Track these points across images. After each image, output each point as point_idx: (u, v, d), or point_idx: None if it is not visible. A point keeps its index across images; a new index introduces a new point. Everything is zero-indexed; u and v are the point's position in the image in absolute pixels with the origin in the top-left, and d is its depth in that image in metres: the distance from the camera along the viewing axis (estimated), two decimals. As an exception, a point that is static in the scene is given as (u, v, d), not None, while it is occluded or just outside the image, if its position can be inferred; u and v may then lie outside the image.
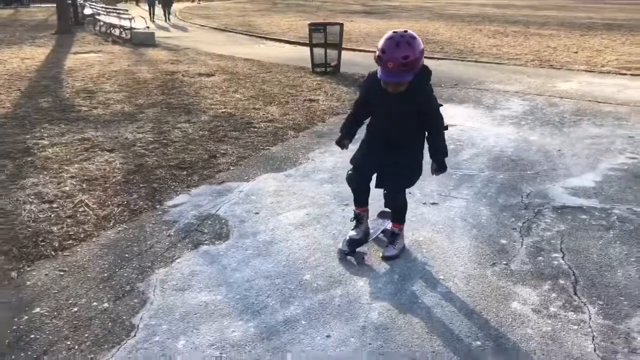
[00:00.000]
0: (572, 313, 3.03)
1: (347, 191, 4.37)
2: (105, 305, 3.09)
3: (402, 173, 3.52)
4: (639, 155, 5.84)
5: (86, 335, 2.82)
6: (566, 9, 40.99)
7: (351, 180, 3.67)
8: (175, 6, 33.06)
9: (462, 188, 4.88)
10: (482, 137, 6.51)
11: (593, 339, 2.80)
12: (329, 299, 3.15)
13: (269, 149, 6.03)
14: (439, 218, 4.27)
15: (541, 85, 10.02)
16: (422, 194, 4.72)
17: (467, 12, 35.93)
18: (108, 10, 21.46)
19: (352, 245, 3.64)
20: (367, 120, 3.56)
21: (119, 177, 5.01)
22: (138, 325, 2.91)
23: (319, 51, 11.13)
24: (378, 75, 3.14)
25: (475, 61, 13.44)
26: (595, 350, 2.72)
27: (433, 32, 20.96)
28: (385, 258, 3.62)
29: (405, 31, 3.05)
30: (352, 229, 3.75)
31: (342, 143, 3.58)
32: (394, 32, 3.05)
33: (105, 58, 13.24)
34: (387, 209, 3.86)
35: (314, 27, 11.27)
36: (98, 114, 7.37)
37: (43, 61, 12.64)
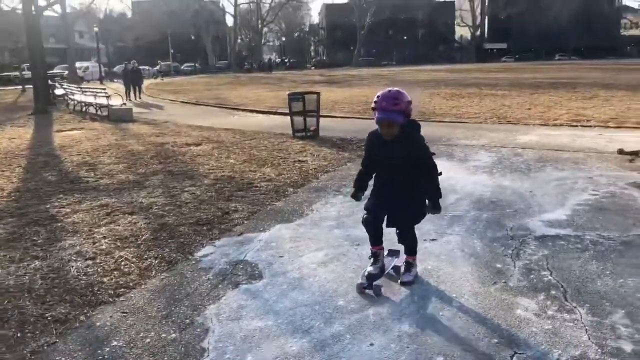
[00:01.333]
0: (566, 314, 3.68)
1: (355, 234, 5.04)
2: (173, 335, 3.58)
3: (408, 212, 4.17)
4: (599, 192, 6.69)
5: (166, 357, 3.30)
6: (512, 71, 43.86)
7: (367, 222, 4.27)
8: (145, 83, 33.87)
9: (454, 226, 5.57)
10: (461, 185, 7.28)
11: (586, 331, 3.45)
12: (364, 318, 3.72)
13: (274, 204, 6.64)
14: (441, 250, 4.92)
15: (504, 139, 11.04)
16: (421, 232, 5.35)
17: (421, 77, 38.03)
18: (83, 89, 22.12)
19: (370, 279, 4.16)
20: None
21: (147, 235, 5.51)
22: (208, 348, 3.40)
23: (298, 118, 11.98)
24: (375, 120, 3.90)
25: (439, 121, 14.52)
26: (589, 339, 3.35)
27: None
28: (403, 283, 4.22)
29: (396, 89, 3.92)
30: (370, 265, 4.31)
31: (356, 196, 4.37)
32: (386, 89, 3.94)
33: (90, 134, 13.77)
34: (395, 248, 4.50)
35: (293, 96, 12.17)
36: (106, 183, 7.88)
37: (30, 140, 13.10)
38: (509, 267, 4.51)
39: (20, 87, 36.49)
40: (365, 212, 4.27)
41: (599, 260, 4.56)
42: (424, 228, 5.44)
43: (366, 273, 4.22)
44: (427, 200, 4.14)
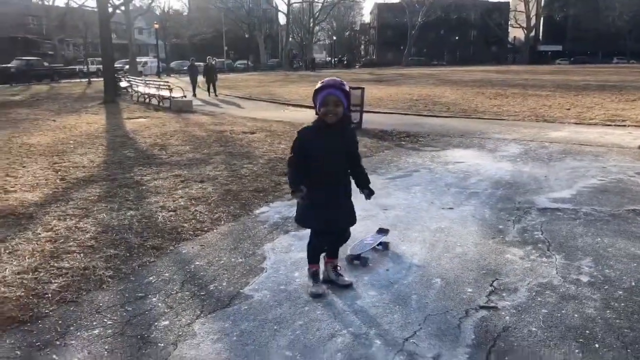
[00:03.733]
0: (545, 259, 4.68)
1: (383, 202, 6.08)
2: (240, 260, 4.78)
3: (350, 214, 4.09)
4: (607, 178, 7.54)
5: (235, 271, 4.50)
6: (563, 73, 43.52)
7: (320, 246, 4.15)
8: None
9: (470, 199, 6.59)
10: (485, 170, 8.25)
11: (556, 269, 4.45)
12: (385, 254, 4.83)
13: (319, 180, 7.80)
14: (455, 216, 5.96)
15: (535, 134, 11.85)
16: (440, 203, 6.42)
17: (471, 77, 38.41)
18: (147, 82, 23.92)
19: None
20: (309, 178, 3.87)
21: (215, 197, 6.77)
22: (266, 268, 4.58)
23: (344, 111, 13.09)
24: (320, 100, 3.70)
25: (479, 118, 15.35)
26: (557, 273, 4.36)
27: (439, 95, 23.15)
28: (345, 286, 4.13)
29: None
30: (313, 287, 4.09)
31: (301, 191, 3.82)
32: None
33: (157, 122, 15.29)
34: (385, 227, 5.06)
35: (340, 91, 13.27)
36: (177, 160, 9.23)
37: (105, 125, 14.72)
38: (509, 228, 5.52)
39: (87, 79, 38.97)
40: (305, 215, 4.05)
41: (585, 226, 5.50)
42: (444, 199, 6.50)
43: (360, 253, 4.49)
44: (363, 189, 4.09)
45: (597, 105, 17.83)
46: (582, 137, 11.38)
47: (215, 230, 5.59)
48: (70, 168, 8.66)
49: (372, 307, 3.82)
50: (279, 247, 5.07)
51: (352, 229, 4.30)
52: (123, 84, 28.27)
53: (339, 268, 4.31)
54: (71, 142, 11.56)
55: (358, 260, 4.61)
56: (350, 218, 4.12)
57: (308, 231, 5.49)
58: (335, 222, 4.05)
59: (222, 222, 5.84)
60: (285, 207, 6.37)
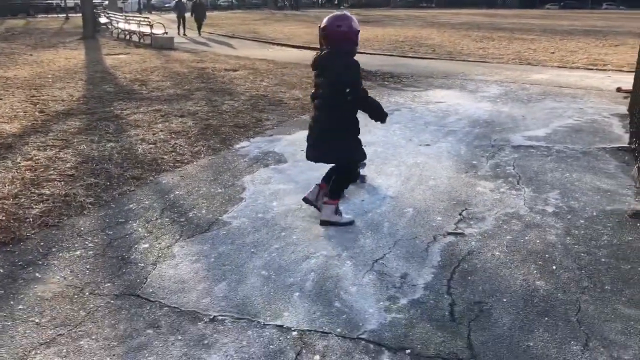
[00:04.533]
0: (514, 191, 4.85)
1: (366, 139, 6.16)
2: (219, 190, 4.88)
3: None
4: (582, 119, 7.69)
5: (215, 200, 4.61)
6: (551, 18, 43.08)
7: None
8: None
9: (448, 137, 6.71)
10: (465, 109, 8.35)
11: (524, 200, 4.62)
12: (361, 187, 4.97)
13: (300, 116, 7.85)
14: (431, 152, 6.09)
15: (517, 76, 11.91)
16: (418, 140, 6.54)
17: (458, 20, 37.88)
18: (127, 18, 23.30)
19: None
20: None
21: (195, 132, 6.80)
22: (245, 197, 4.70)
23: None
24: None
25: (463, 60, 15.31)
26: (524, 204, 4.54)
27: (426, 37, 22.90)
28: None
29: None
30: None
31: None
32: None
33: (137, 58, 15.03)
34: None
35: (324, 29, 13.11)
36: (157, 95, 9.17)
37: (84, 60, 14.44)
38: (482, 163, 5.67)
39: (64, 15, 37.77)
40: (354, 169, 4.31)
41: (556, 162, 5.67)
42: (422, 137, 6.61)
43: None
44: None
45: (581, 50, 17.83)
46: (563, 80, 11.47)
47: (195, 163, 5.66)
48: (49, 101, 8.58)
49: (346, 233, 3.98)
50: (258, 179, 5.17)
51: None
52: (102, 19, 27.50)
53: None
54: (49, 76, 11.38)
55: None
56: None
57: (287, 165, 5.61)
58: None
59: (202, 155, 5.91)
60: (266, 142, 6.45)
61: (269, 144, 6.41)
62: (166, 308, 3.05)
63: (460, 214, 4.33)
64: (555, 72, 12.89)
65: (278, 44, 20.62)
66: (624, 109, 8.34)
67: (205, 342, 2.75)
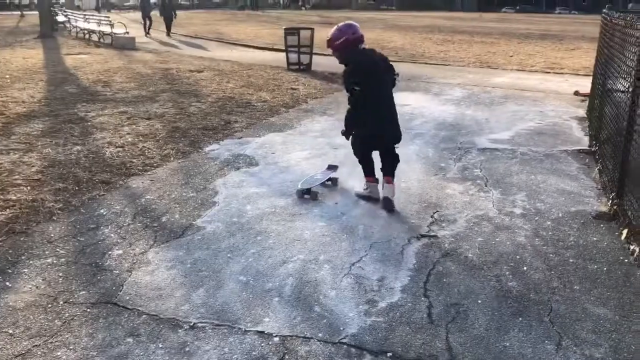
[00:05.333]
0: (483, 193, 4.98)
1: (335, 142, 6.23)
2: (192, 194, 4.84)
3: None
4: (543, 122, 7.93)
5: (187, 205, 4.57)
6: (508, 21, 44.12)
7: None
8: (139, 17, 33.72)
9: (415, 140, 6.82)
10: (430, 112, 8.50)
11: (493, 203, 4.75)
12: (334, 188, 5.01)
13: (268, 119, 7.84)
14: (400, 154, 6.14)
15: (479, 79, 12.18)
16: (387, 142, 6.61)
17: (419, 23, 38.42)
18: (87, 16, 22.77)
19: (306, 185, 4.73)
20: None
21: (163, 134, 6.72)
22: (218, 201, 4.68)
23: (292, 52, 13.00)
24: None
25: (425, 63, 15.56)
26: (493, 206, 4.66)
27: (388, 40, 23.17)
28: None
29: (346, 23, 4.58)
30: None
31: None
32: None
33: (98, 58, 14.72)
34: (335, 164, 5.29)
35: (289, 31, 13.14)
36: (122, 97, 9.01)
37: (44, 60, 14.05)
38: (450, 166, 5.78)
39: (19, 12, 36.65)
40: None
41: (521, 165, 5.84)
42: (391, 139, 6.69)
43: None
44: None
45: (538, 54, 18.34)
46: (523, 83, 11.79)
47: (164, 166, 5.60)
48: (9, 103, 8.33)
49: (322, 237, 4.00)
50: (230, 183, 5.15)
51: (303, 166, 5.33)
52: (60, 18, 26.79)
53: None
54: (7, 77, 11.03)
55: (308, 195, 4.76)
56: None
57: (259, 168, 5.61)
58: None
59: (172, 159, 5.85)
60: (236, 145, 6.42)
61: (239, 146, 6.39)
62: (145, 316, 3.01)
63: (432, 216, 4.41)
64: (515, 75, 13.23)
65: (242, 45, 20.51)
66: (582, 112, 8.64)
67: (187, 349, 2.74)
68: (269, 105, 8.68)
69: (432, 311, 3.09)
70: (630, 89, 4.27)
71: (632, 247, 3.70)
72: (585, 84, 11.42)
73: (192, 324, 2.94)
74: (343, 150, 6.12)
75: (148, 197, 4.76)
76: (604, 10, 7.64)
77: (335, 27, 4.60)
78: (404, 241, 3.95)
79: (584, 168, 5.75)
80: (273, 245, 3.86)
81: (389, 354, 2.72)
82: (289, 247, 3.83)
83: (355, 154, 4.78)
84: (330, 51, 4.74)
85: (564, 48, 20.53)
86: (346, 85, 4.57)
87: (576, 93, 10.30)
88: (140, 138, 6.50)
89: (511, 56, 17.44)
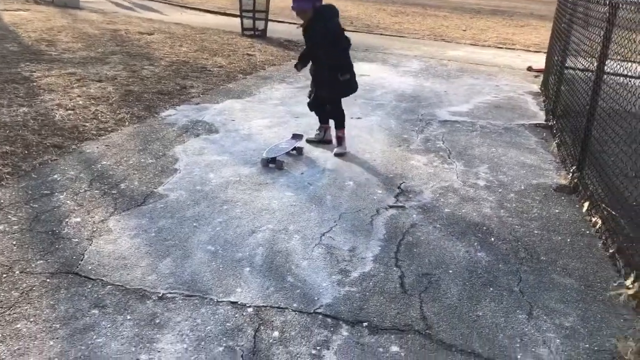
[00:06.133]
0: (446, 165, 5.00)
1: (296, 110, 6.13)
2: (150, 160, 4.64)
3: (319, 91, 5.05)
4: (499, 96, 8.05)
5: (147, 171, 4.38)
6: (459, -4, 44.37)
7: (309, 105, 5.27)
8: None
9: (377, 110, 6.78)
10: (389, 83, 8.47)
11: (457, 174, 4.78)
12: (299, 158, 4.92)
13: (226, 85, 7.61)
14: (363, 125, 6.13)
15: (435, 52, 12.23)
16: (350, 113, 6.53)
17: (372, -7, 38.11)
18: (24, -29, 21.35)
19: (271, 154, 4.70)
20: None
21: (116, 98, 6.41)
22: (179, 169, 4.50)
23: (248, 17, 12.64)
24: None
25: (381, 34, 15.49)
26: (457, 178, 4.69)
27: (342, 9, 22.76)
28: (336, 154, 5.01)
29: None
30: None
31: (296, 65, 5.20)
32: None
33: (40, 16, 13.86)
34: (299, 132, 5.28)
35: (244, -5, 12.73)
36: (69, 57, 8.53)
37: (-22, 15, 13.11)
38: (414, 137, 5.79)
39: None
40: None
41: (482, 137, 5.91)
42: (352, 110, 6.62)
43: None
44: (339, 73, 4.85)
45: (490, 29, 18.59)
46: (477, 57, 11.92)
47: (120, 131, 5.35)
48: (-57, 60, 7.74)
49: (290, 206, 3.92)
50: (190, 150, 4.97)
51: (265, 134, 5.37)
52: (-6, -29, 25.02)
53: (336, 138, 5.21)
54: (-61, 31, 10.24)
55: (273, 164, 4.64)
56: (319, 89, 5.05)
57: (219, 135, 5.45)
58: (314, 88, 5.14)
59: (127, 123, 5.59)
60: (193, 111, 6.20)
61: (197, 112, 6.17)
62: (109, 286, 2.87)
63: (399, 187, 4.40)
64: (469, 49, 13.36)
65: (192, 8, 19.78)
66: (536, 87, 8.82)
67: (157, 321, 2.63)
68: (225, 71, 8.42)
69: (405, 281, 3.09)
70: (595, 65, 4.34)
71: (594, 219, 3.81)
72: (537, 60, 11.68)
73: (160, 295, 2.82)
74: (305, 119, 6.03)
75: (104, 162, 4.53)
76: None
77: None
78: (373, 212, 3.92)
79: (542, 142, 5.87)
80: (240, 215, 3.75)
81: (365, 324, 2.70)
82: (257, 217, 3.74)
83: (334, 105, 5.09)
84: (289, 18, 4.58)
85: (514, 24, 20.88)
86: (324, 37, 4.77)
87: (529, 68, 10.50)
88: (92, 101, 6.18)
89: (464, 30, 17.60)
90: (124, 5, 18.78)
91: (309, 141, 5.28)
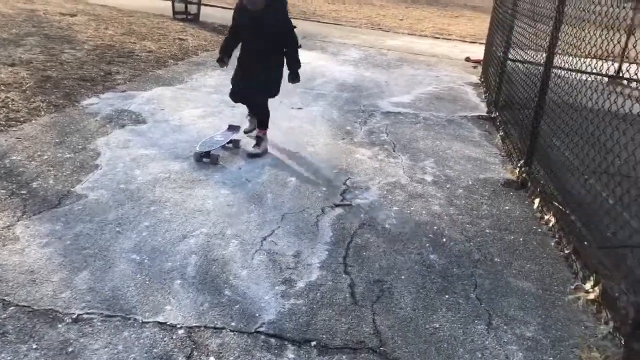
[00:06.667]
0: (392, 159, 4.77)
1: (227, 96, 5.69)
2: (68, 155, 4.14)
3: (262, 86, 4.42)
4: (440, 87, 7.93)
5: (64, 168, 3.89)
6: (394, -14, 44.70)
7: (233, 95, 4.59)
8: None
9: (318, 100, 6.48)
10: (330, 72, 8.18)
11: (403, 169, 4.56)
12: (237, 151, 4.54)
13: (155, 71, 7.08)
14: (305, 115, 5.81)
15: (373, 41, 12.05)
16: (290, 102, 6.22)
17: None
18: None
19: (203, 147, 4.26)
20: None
21: (31, 84, 5.78)
22: (101, 164, 4.03)
23: (179, 2, 11.99)
24: None
25: (318, 22, 15.18)
26: (404, 173, 4.47)
27: (279, -5, 22.40)
28: (250, 155, 4.42)
29: None
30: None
31: (222, 61, 4.46)
32: None
33: (-54, -8, 12.63)
34: (235, 124, 4.81)
35: (175, -23, 12.05)
36: (-23, 38, 7.71)
37: None
38: (357, 129, 5.53)
39: None
40: (231, 84, 4.54)
41: (425, 130, 5.72)
42: (293, 100, 6.30)
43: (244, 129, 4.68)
44: (288, 72, 4.40)
45: (426, 19, 18.66)
46: (415, 46, 11.83)
47: (34, 122, 4.78)
48: None
49: (226, 207, 3.56)
50: (114, 143, 4.49)
51: (198, 125, 4.86)
52: None
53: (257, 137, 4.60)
54: None
55: (207, 158, 4.25)
56: (257, 92, 4.48)
57: (147, 126, 4.98)
58: (244, 91, 4.53)
59: (42, 113, 5.02)
60: (119, 100, 5.68)
61: (123, 101, 5.66)
62: (13, 308, 2.43)
63: (344, 183, 4.13)
64: (407, 39, 13.27)
65: (120, -11, 18.72)
66: (475, 78, 8.78)
67: (70, 349, 2.23)
68: (154, 56, 7.86)
69: (355, 290, 2.82)
70: (544, 58, 4.20)
71: (546, 217, 3.68)
72: (473, 51, 11.73)
73: (75, 316, 2.42)
74: (241, 108, 5.63)
75: (14, 157, 3.99)
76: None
77: None
78: (318, 211, 3.62)
79: (485, 134, 5.76)
80: (170, 217, 3.36)
81: (313, 343, 2.41)
82: (189, 219, 3.36)
83: (266, 102, 4.61)
84: (223, 3, 4.13)
85: (449, 15, 21.10)
86: (287, 22, 4.32)
87: (467, 59, 10.50)
88: (2, 87, 5.53)
89: (401, 20, 17.57)
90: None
91: (246, 132, 4.89)
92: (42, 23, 9.61)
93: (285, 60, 4.42)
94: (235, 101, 4.74)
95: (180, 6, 12.07)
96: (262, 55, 4.30)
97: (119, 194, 3.59)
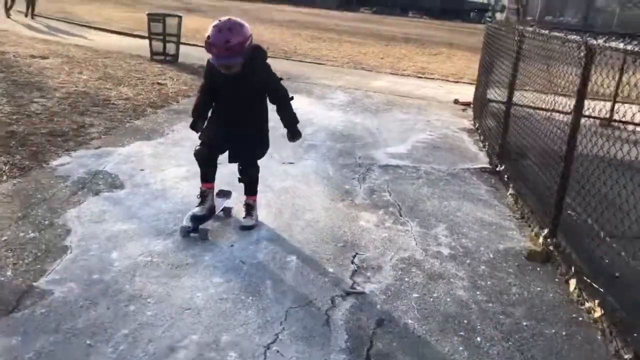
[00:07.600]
0: (400, 226, 4.29)
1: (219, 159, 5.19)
2: (32, 235, 3.57)
3: (251, 148, 3.91)
4: (434, 134, 7.55)
5: (25, 254, 3.31)
6: (370, 22, 45.28)
7: (200, 156, 3.80)
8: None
9: (310, 153, 6.01)
10: (319, 119, 7.75)
11: (415, 240, 4.08)
12: (227, 223, 4.02)
13: (133, 122, 6.56)
14: (297, 172, 5.33)
15: (358, 82, 11.73)
16: (280, 157, 5.73)
17: (282, 17, 37.83)
18: None
19: (196, 221, 3.71)
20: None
21: (-7, 142, 5.20)
22: (71, 247, 3.47)
23: (157, 41, 11.56)
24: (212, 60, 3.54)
25: (300, 61, 14.90)
26: (417, 245, 3.98)
27: (257, 34, 22.13)
28: (243, 227, 3.92)
29: (229, 19, 3.45)
30: (197, 206, 3.84)
31: (196, 125, 3.84)
32: (218, 20, 3.45)
33: None
34: (227, 189, 4.24)
35: (153, 18, 11.65)
36: (-64, 86, 7.11)
37: None
38: (356, 188, 5.06)
39: None
40: (199, 143, 3.81)
41: (429, 187, 5.28)
42: (283, 154, 5.82)
43: (190, 214, 3.77)
44: (286, 131, 3.95)
45: (406, 57, 18.55)
46: (400, 88, 11.54)
47: (-7, 190, 4.20)
48: None
49: (220, 302, 3.02)
50: (87, 215, 3.93)
51: (182, 189, 4.49)
52: None
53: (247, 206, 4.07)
54: None
55: (196, 233, 3.71)
56: (245, 155, 3.94)
57: (125, 191, 4.45)
58: (225, 142, 3.85)
59: (4, 177, 4.45)
60: (93, 158, 5.14)
61: (97, 160, 5.11)
62: None
63: (352, 262, 3.62)
64: (391, 79, 13.01)
65: (95, 28, 18.28)
66: (467, 123, 8.46)
67: None
68: (132, 104, 7.34)
69: (385, 420, 2.28)
70: (572, 110, 3.79)
71: (587, 305, 3.21)
72: (459, 91, 11.48)
73: None
74: (230, 167, 5.12)
75: (-34, 240, 3.40)
76: (519, 26, 7.17)
77: (228, 26, 3.43)
78: (327, 303, 3.10)
79: (492, 191, 5.35)
80: (154, 320, 2.80)
81: None
82: (176, 322, 2.80)
83: (257, 166, 4.08)
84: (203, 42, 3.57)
85: (427, 52, 21.09)
86: (277, 81, 3.83)
87: (456, 101, 10.21)
88: (-41, 147, 4.95)
89: (382, 58, 17.42)
90: (14, 24, 16.97)
91: (197, 218, 3.82)
92: (12, 67, 9.06)
93: (279, 118, 3.90)
94: (203, 162, 3.85)
95: (158, 45, 11.65)
96: (246, 110, 3.78)
97: (91, 288, 3.02)
